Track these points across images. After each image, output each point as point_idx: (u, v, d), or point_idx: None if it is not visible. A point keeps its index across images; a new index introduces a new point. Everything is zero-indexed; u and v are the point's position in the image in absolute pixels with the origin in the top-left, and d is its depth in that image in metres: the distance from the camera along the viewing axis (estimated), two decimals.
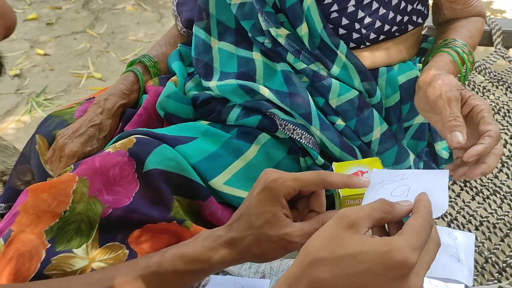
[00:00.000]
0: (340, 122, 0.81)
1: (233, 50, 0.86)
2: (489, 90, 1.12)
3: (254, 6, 0.82)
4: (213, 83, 0.84)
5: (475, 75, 1.17)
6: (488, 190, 0.93)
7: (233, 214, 0.54)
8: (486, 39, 1.21)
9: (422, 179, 0.56)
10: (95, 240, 0.67)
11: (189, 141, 0.76)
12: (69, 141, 0.79)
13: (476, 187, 0.93)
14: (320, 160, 0.79)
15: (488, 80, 1.14)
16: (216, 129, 0.80)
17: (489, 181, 0.94)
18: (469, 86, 1.14)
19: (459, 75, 0.81)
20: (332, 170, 0.65)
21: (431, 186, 0.54)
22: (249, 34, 0.85)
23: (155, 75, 0.95)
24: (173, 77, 0.91)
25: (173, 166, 0.71)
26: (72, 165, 0.72)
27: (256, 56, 0.84)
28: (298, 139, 0.78)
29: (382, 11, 0.82)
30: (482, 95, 1.11)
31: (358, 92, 0.81)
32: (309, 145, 0.78)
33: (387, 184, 0.56)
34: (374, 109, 0.82)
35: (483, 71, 1.17)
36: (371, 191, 0.55)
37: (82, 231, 0.66)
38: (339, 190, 0.59)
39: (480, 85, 1.13)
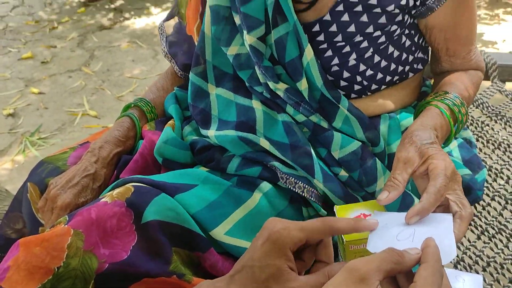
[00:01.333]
0: (343, 173, 0.78)
1: (231, 97, 0.84)
2: (487, 125, 1.11)
3: (250, 57, 0.80)
4: (211, 133, 0.82)
5: (473, 110, 1.17)
6: (493, 228, 0.90)
7: (235, 265, 0.51)
8: None
9: (426, 222, 0.55)
10: None
11: (189, 189, 0.74)
12: (61, 191, 0.77)
13: (481, 226, 0.91)
14: (323, 212, 0.77)
15: (486, 114, 1.14)
16: (216, 177, 0.77)
17: (494, 219, 0.92)
18: (467, 121, 1.13)
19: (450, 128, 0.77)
20: (335, 213, 0.63)
21: (436, 229, 0.53)
22: (247, 84, 0.83)
23: (152, 119, 0.93)
24: (170, 121, 0.89)
25: (173, 216, 0.68)
26: (66, 216, 0.69)
27: (256, 104, 0.82)
28: (300, 193, 0.76)
29: (383, 63, 0.82)
30: (481, 129, 1.10)
31: (361, 143, 0.79)
32: (312, 198, 0.76)
33: (391, 228, 0.54)
34: (377, 159, 0.79)
35: (481, 105, 1.17)
36: (375, 234, 0.53)
37: None
38: (342, 235, 0.57)
39: (478, 120, 1.13)
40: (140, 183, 0.72)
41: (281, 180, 0.77)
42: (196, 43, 0.90)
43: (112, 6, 3.90)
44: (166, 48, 0.99)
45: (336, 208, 0.63)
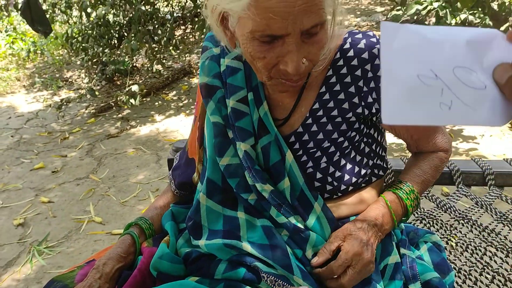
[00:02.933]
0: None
1: (220, 210, 0.98)
2: (456, 228, 1.21)
3: (239, 166, 0.95)
4: (202, 242, 0.95)
5: (442, 214, 1.28)
6: None
7: None
8: (448, 179, 1.35)
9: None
10: None
11: None
12: None
13: None
14: None
15: (454, 218, 1.25)
16: (203, 286, 0.88)
17: None
18: (437, 224, 1.24)
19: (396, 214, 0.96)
20: None
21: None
22: (235, 190, 0.97)
23: (150, 236, 1.05)
24: (165, 238, 1.01)
25: None
26: None
27: (240, 215, 0.96)
28: None
29: (348, 166, 0.97)
30: (450, 233, 1.20)
31: None
32: None
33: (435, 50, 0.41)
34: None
35: (449, 209, 1.28)
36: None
37: None
38: None
39: (447, 223, 1.23)
40: None
41: (262, 280, 0.87)
42: (196, 164, 1.06)
43: (120, 115, 4.19)
44: (171, 172, 1.16)
45: None
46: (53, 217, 2.62)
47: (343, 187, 0.97)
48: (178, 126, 3.81)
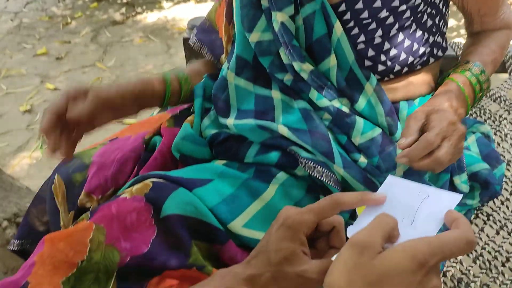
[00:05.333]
0: (362, 160, 0.78)
1: (251, 88, 0.85)
2: (505, 119, 1.10)
3: (272, 43, 0.81)
4: (230, 121, 0.83)
5: (491, 104, 1.16)
6: None
7: (252, 251, 0.53)
8: (500, 66, 1.20)
9: (433, 203, 0.52)
10: None
11: (205, 184, 0.74)
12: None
13: (499, 221, 0.91)
14: None
15: (504, 108, 1.13)
16: (232, 170, 0.78)
17: None
18: (484, 114, 1.12)
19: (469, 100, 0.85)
20: (356, 214, 0.63)
21: (441, 214, 0.50)
22: (267, 70, 0.84)
23: (184, 92, 0.92)
24: (189, 117, 0.90)
25: (191, 210, 0.69)
26: (88, 213, 0.70)
27: (275, 94, 0.83)
28: (319, 177, 0.76)
29: (407, 43, 0.83)
30: (498, 123, 1.09)
31: (381, 130, 0.80)
32: (331, 183, 0.76)
33: (392, 205, 0.53)
34: (397, 146, 0.80)
35: (498, 99, 1.15)
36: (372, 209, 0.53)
37: (100, 281, 0.64)
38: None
39: (496, 114, 1.11)
40: (158, 179, 0.73)
41: (300, 165, 0.78)
42: (225, 45, 0.93)
43: (124, 0, 3.91)
44: (195, 36, 1.00)
45: (357, 209, 0.64)
46: None
47: (397, 68, 0.83)
48: (188, 14, 3.55)
